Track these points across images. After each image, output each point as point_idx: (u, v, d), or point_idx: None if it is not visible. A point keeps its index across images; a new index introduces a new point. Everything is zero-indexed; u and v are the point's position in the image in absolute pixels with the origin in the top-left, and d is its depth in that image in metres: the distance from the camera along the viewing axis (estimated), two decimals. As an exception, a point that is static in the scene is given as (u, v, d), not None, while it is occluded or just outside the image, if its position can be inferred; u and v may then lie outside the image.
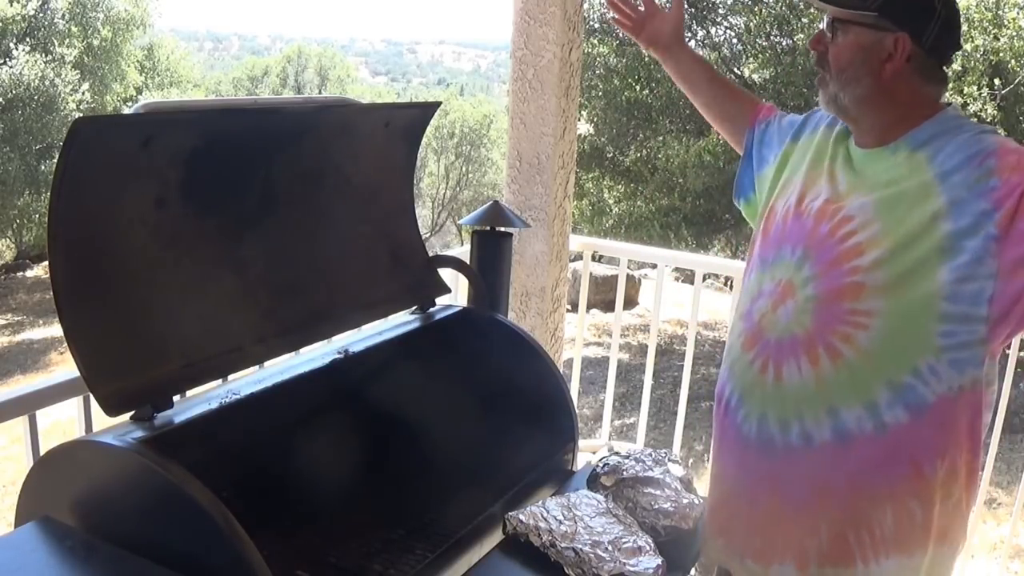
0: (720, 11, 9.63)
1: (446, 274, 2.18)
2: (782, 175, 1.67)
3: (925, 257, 1.38)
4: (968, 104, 6.84)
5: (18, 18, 13.22)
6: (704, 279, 3.40)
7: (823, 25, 1.52)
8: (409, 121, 1.93)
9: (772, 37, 9.09)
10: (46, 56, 13.21)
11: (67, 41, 13.77)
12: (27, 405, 1.71)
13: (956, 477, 1.46)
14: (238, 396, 1.52)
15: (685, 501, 1.63)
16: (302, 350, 1.78)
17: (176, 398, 1.45)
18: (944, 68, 1.50)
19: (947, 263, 1.36)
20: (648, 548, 1.48)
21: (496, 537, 1.56)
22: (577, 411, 2.01)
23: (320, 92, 23.56)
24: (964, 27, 6.82)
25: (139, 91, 16.62)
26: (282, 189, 1.65)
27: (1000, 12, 6.69)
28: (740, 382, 1.58)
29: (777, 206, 1.62)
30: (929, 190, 1.40)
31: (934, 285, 1.37)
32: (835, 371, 1.44)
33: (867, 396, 1.43)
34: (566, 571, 1.45)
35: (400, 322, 1.98)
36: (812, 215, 1.52)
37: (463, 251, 2.67)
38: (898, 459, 1.43)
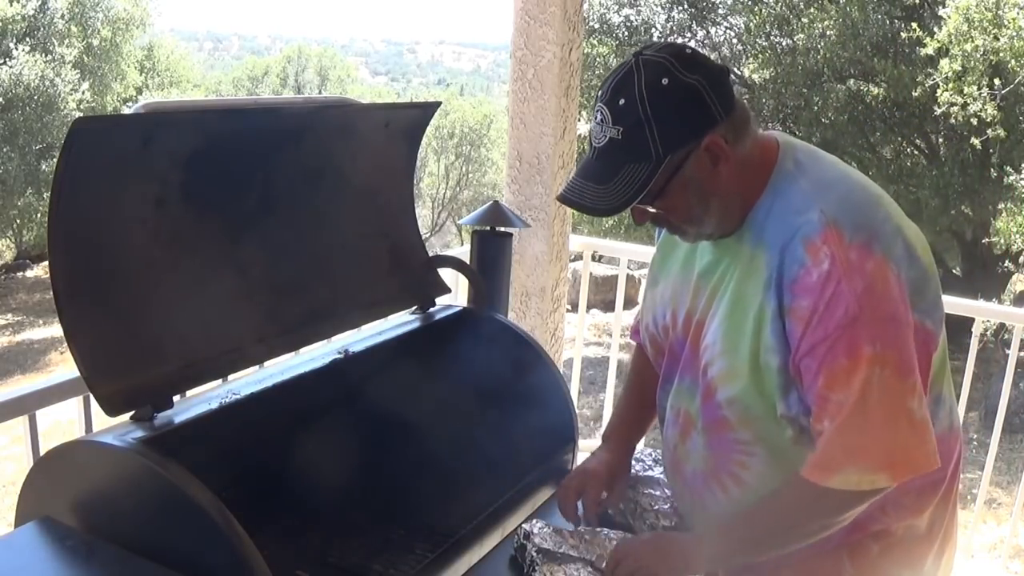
0: (720, 11, 9.65)
1: (446, 274, 2.17)
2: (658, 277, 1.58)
3: (770, 394, 1.34)
4: (968, 104, 6.84)
5: (18, 18, 13.22)
6: (704, 279, 3.38)
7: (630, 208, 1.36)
8: (409, 121, 1.93)
9: (772, 37, 9.10)
10: (46, 56, 13.21)
11: (67, 41, 13.78)
12: (27, 405, 1.71)
13: (909, 513, 1.43)
14: (238, 396, 1.51)
15: (685, 501, 1.62)
16: (302, 350, 1.78)
17: (176, 398, 1.45)
18: (736, 101, 1.35)
19: (783, 400, 1.33)
20: None
21: (496, 537, 1.56)
22: (577, 411, 2.01)
23: (320, 92, 23.55)
24: (964, 27, 6.82)
25: (139, 91, 16.64)
26: (282, 189, 1.65)
27: (1000, 12, 6.69)
28: (682, 504, 1.59)
29: (658, 314, 1.56)
30: (763, 313, 1.32)
31: (784, 421, 1.35)
32: (744, 495, 1.42)
33: None
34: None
35: (400, 322, 1.98)
36: (690, 336, 1.46)
37: (463, 251, 2.67)
38: (837, 532, 1.37)
